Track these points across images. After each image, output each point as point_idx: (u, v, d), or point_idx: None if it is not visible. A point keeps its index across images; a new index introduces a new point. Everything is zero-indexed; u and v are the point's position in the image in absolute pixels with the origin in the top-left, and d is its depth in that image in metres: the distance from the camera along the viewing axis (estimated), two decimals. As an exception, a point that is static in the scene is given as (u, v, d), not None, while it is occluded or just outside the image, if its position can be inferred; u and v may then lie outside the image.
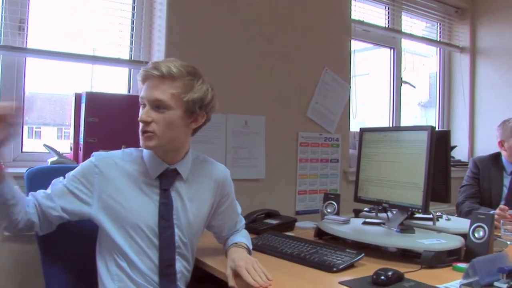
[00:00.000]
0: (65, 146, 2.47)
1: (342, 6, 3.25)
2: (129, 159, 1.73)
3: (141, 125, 1.62)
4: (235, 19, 2.76)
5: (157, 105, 1.60)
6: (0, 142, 1.43)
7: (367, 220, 2.30)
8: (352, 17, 3.34)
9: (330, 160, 3.15)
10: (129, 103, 2.42)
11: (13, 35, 2.31)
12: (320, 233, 2.25)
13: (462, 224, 2.24)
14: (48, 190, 1.65)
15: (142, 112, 1.62)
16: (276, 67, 2.90)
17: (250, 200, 2.64)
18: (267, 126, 2.85)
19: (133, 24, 2.65)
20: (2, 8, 2.30)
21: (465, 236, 1.95)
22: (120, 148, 2.32)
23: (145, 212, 1.66)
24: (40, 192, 1.65)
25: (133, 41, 2.64)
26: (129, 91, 2.70)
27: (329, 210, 2.45)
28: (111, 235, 1.63)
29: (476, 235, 1.90)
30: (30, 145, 2.47)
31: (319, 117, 3.10)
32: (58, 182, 1.67)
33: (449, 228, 2.14)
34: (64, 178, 1.68)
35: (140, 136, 1.64)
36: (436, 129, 2.05)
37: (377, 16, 3.70)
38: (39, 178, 1.82)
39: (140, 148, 1.74)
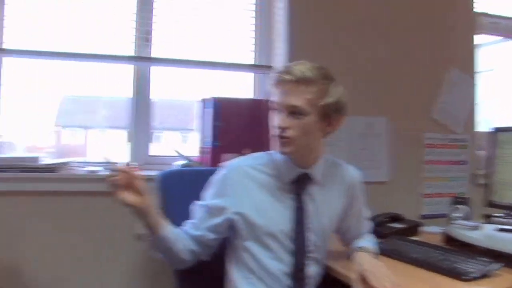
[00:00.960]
0: (189, 150, 2.57)
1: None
2: (259, 164, 1.73)
3: (277, 130, 1.62)
4: (354, 19, 2.73)
5: (293, 111, 1.59)
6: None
7: (503, 226, 2.14)
8: (475, 9, 3.15)
9: (457, 162, 3.01)
10: (254, 107, 2.47)
11: (143, 46, 2.47)
12: (448, 238, 2.15)
13: None
14: (193, 220, 1.70)
15: (278, 119, 1.62)
16: (398, 67, 2.83)
17: (373, 203, 2.58)
18: (391, 128, 2.79)
19: (256, 29, 2.71)
20: (135, 22, 2.46)
21: None
22: (243, 152, 2.40)
23: (281, 218, 1.67)
24: (187, 223, 1.70)
25: (256, 46, 2.71)
26: (254, 95, 2.77)
27: (457, 215, 2.32)
28: (245, 242, 1.66)
29: None
30: (155, 149, 2.62)
31: (445, 117, 2.96)
32: (198, 207, 1.71)
33: None
34: (201, 201, 1.72)
35: (276, 141, 1.64)
36: None
37: (505, 6, 3.45)
38: (172, 181, 1.93)
39: (270, 152, 1.76)
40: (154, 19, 2.50)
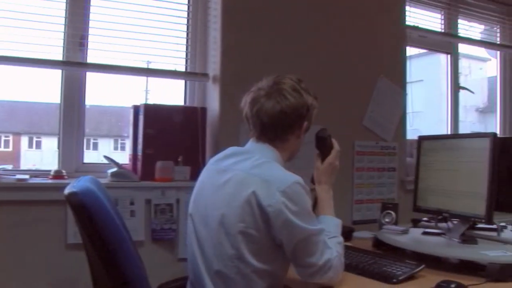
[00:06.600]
0: (121, 157, 2.54)
1: (396, 12, 3.20)
2: None
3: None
4: (289, 29, 2.76)
5: None
6: None
7: (427, 230, 2.25)
8: (407, 23, 3.28)
9: (387, 169, 3.10)
10: (185, 114, 2.48)
11: (75, 51, 2.40)
12: (378, 243, 2.21)
13: (530, 235, 2.14)
14: None
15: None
16: (331, 75, 2.87)
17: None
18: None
19: (189, 37, 2.69)
20: (64, 26, 2.39)
21: (534, 248, 1.85)
22: (176, 159, 2.38)
23: None
24: None
25: (189, 54, 2.68)
26: (185, 102, 2.75)
27: (387, 220, 2.41)
28: None
29: (547, 246, 1.80)
30: (90, 156, 2.56)
31: (375, 126, 3.05)
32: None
33: (515, 239, 2.05)
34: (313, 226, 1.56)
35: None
36: (497, 135, 1.97)
37: (433, 21, 3.62)
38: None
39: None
40: (90, 24, 2.45)
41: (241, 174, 1.56)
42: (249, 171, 1.56)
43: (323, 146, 1.81)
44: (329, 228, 1.67)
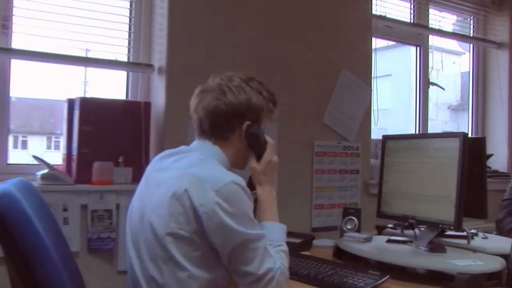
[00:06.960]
0: (56, 158, 2.36)
1: (361, 0, 3.05)
2: None
3: None
4: (243, 16, 2.60)
5: None
6: None
7: (392, 237, 2.15)
8: (373, 12, 3.12)
9: (349, 171, 2.95)
10: (127, 109, 2.33)
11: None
12: (339, 252, 2.09)
13: (502, 243, 2.07)
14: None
15: None
16: (288, 68, 2.72)
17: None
18: (280, 134, 2.64)
19: (131, 22, 2.52)
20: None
21: (506, 257, 1.76)
22: (117, 160, 2.20)
23: None
24: None
25: (132, 42, 2.51)
26: (127, 96, 2.57)
27: (349, 227, 2.30)
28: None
29: (520, 256, 1.71)
30: (16, 156, 2.37)
31: (337, 124, 2.89)
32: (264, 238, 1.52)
33: (486, 248, 1.98)
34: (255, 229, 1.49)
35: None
36: (470, 135, 1.85)
37: (401, 10, 3.47)
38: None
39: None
40: (14, 3, 2.24)
41: (177, 172, 1.52)
42: (186, 169, 1.51)
43: (256, 143, 1.64)
44: (272, 235, 1.57)
